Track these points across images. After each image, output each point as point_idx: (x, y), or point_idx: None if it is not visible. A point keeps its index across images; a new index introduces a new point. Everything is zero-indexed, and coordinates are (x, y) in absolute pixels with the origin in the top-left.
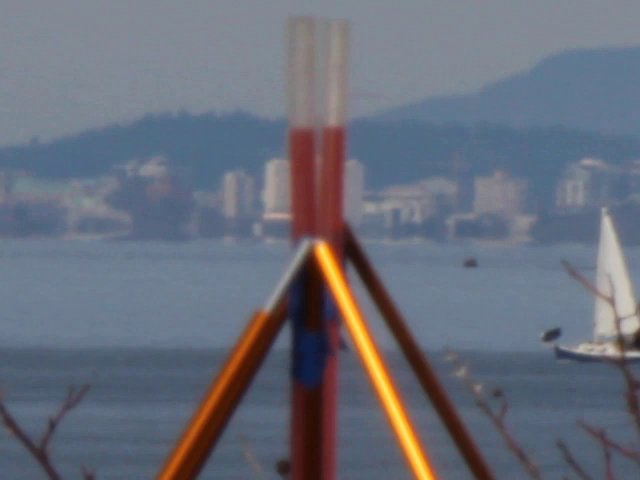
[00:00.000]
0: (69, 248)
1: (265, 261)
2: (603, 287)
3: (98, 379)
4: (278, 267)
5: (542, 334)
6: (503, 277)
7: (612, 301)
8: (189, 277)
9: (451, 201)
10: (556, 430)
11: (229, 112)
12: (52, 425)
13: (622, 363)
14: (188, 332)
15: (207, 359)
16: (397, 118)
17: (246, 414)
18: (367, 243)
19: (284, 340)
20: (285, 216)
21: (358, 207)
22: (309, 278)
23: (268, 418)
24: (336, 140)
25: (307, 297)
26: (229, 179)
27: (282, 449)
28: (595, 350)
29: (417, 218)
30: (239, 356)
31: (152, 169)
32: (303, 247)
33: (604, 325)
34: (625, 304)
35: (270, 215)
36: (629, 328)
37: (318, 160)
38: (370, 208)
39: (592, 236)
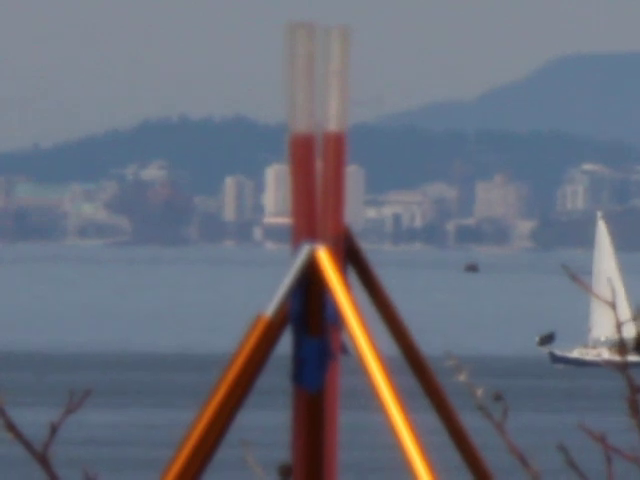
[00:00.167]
0: (69, 253)
1: (265, 266)
2: (599, 291)
3: (99, 383)
4: (279, 272)
5: (537, 339)
6: (505, 282)
7: (613, 305)
8: (189, 282)
9: (451, 206)
10: (557, 433)
11: (229, 117)
12: (53, 430)
13: (623, 367)
14: (189, 336)
15: (208, 364)
16: (397, 123)
17: (247, 418)
18: (368, 248)
19: (285, 345)
20: (285, 220)
21: (359, 212)
22: (310, 283)
23: (270, 422)
24: (336, 145)
25: (308, 302)
26: (229, 183)
27: (284, 454)
28: (590, 354)
29: (418, 223)
30: (240, 361)
31: (152, 174)
32: (304, 252)
33: (599, 329)
34: (620, 308)
35: (270, 219)
36: (628, 332)
37: (318, 165)
38: (371, 213)
39: (593, 241)
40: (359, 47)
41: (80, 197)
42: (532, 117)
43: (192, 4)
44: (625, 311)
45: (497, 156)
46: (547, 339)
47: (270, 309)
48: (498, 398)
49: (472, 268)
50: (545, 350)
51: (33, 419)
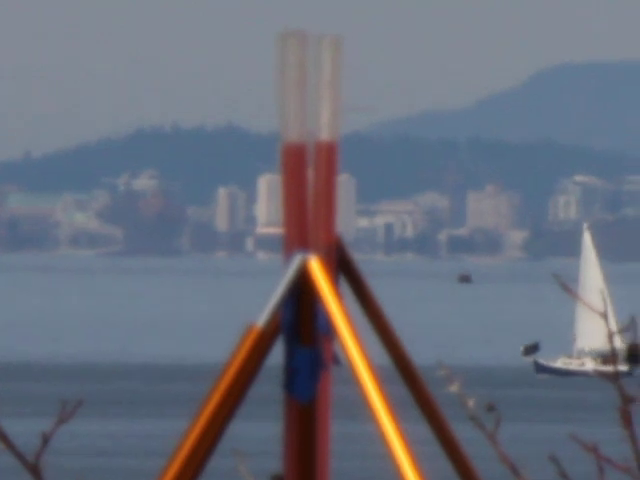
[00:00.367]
0: (61, 262)
1: (257, 276)
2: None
3: (91, 393)
4: (271, 282)
5: (521, 349)
6: (497, 292)
7: (605, 315)
8: (182, 292)
9: (443, 215)
10: (549, 444)
11: (221, 126)
12: (45, 440)
13: (615, 378)
14: (181, 347)
15: (200, 373)
16: (389, 132)
17: (240, 428)
18: (360, 258)
19: (277, 355)
20: (277, 230)
21: (351, 221)
22: (302, 293)
23: (262, 432)
24: (328, 154)
25: (300, 312)
26: (221, 193)
27: (276, 463)
28: (573, 364)
29: (409, 233)
30: (232, 371)
31: (144, 183)
32: (296, 262)
33: (583, 339)
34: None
35: (262, 229)
36: (615, 343)
37: (310, 174)
38: (363, 222)
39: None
40: (352, 55)
41: (72, 207)
42: (525, 126)
43: (184, 14)
44: (610, 321)
45: (489, 165)
46: (531, 349)
47: (262, 319)
48: (491, 409)
49: (465, 279)
50: (530, 360)
51: (24, 429)
